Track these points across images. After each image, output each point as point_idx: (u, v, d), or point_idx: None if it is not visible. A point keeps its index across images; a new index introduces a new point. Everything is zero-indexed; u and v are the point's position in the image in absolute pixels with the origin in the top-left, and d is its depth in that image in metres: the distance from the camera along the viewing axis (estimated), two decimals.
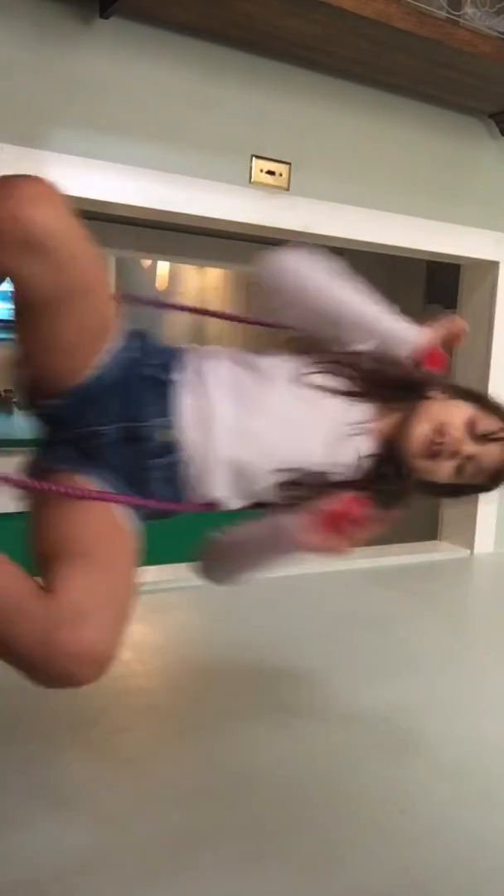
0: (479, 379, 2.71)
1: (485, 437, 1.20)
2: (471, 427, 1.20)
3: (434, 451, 1.18)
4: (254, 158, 2.10)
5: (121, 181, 1.91)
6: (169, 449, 1.11)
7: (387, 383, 1.23)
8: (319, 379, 1.18)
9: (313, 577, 2.36)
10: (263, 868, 1.04)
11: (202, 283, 4.92)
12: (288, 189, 2.16)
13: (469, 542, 2.76)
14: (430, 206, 2.45)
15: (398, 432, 1.20)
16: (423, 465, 1.20)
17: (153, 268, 5.08)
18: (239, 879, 1.02)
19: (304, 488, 1.16)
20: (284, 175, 2.15)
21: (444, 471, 1.20)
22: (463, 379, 2.76)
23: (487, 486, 1.25)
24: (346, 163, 2.27)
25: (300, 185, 2.18)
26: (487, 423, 1.21)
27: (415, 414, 1.20)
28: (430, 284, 3.64)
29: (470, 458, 1.20)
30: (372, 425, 1.20)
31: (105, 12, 1.81)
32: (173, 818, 1.14)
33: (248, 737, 1.38)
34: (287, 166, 2.15)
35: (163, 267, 5.00)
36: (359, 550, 3.14)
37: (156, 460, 1.11)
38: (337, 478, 1.17)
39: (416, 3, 1.96)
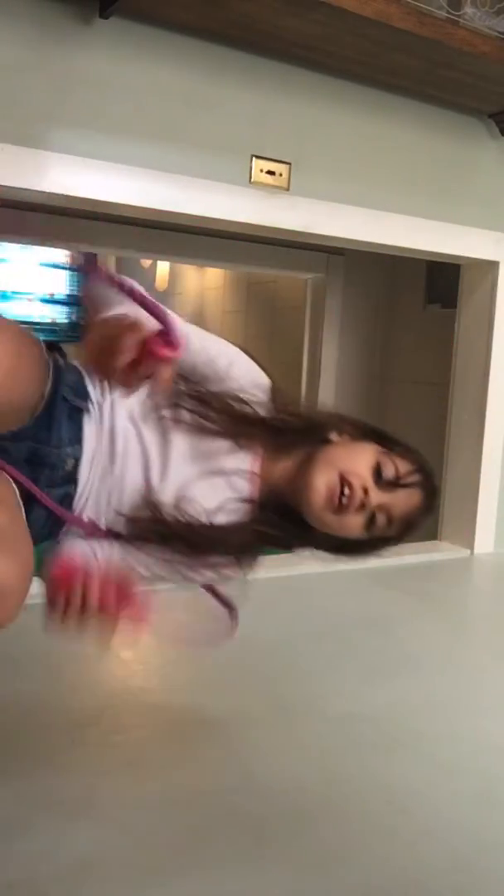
0: (479, 378, 2.71)
1: (394, 483, 1.08)
2: (377, 473, 1.07)
3: (339, 504, 1.05)
4: (254, 158, 2.10)
5: (121, 181, 1.91)
6: (68, 479, 1.05)
7: (279, 426, 1.11)
8: (196, 420, 1.08)
9: (313, 577, 2.36)
10: (263, 868, 1.04)
11: (202, 283, 4.92)
12: (288, 189, 2.16)
13: (469, 542, 2.76)
14: (430, 206, 2.45)
15: (296, 483, 1.09)
16: (327, 519, 1.07)
17: (153, 268, 5.08)
18: (239, 879, 1.02)
19: (170, 537, 1.07)
20: (284, 175, 2.15)
21: (352, 526, 1.08)
22: (463, 379, 2.77)
23: (399, 538, 1.13)
24: (346, 163, 2.27)
25: (300, 185, 2.18)
26: (395, 467, 1.09)
27: (313, 462, 1.08)
28: (430, 284, 3.64)
29: (380, 508, 1.07)
30: (257, 471, 1.10)
31: (105, 12, 1.81)
32: (173, 818, 1.14)
33: (248, 736, 1.38)
34: (287, 166, 2.15)
35: (163, 267, 5.00)
36: None
37: (54, 490, 1.05)
38: (211, 529, 1.08)
39: (416, 3, 1.96)
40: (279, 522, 1.12)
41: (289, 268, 3.78)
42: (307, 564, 2.57)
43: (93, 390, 1.07)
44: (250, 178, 2.10)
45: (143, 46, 1.90)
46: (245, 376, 1.14)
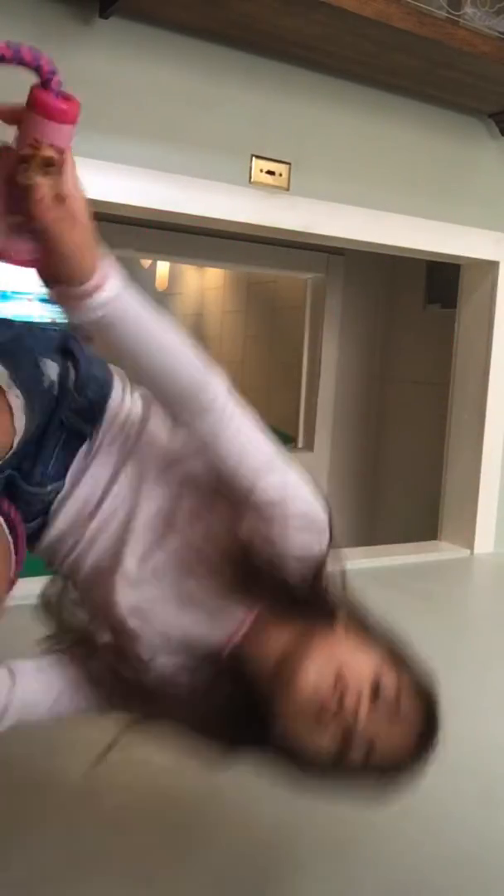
0: (479, 378, 2.71)
1: (394, 710, 0.84)
2: (376, 688, 0.83)
3: (322, 714, 0.80)
4: (254, 158, 2.10)
5: (121, 181, 1.91)
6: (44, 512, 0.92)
7: (296, 596, 0.88)
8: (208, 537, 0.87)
9: None
10: (264, 868, 1.04)
11: (202, 283, 4.92)
12: (288, 189, 2.16)
13: (469, 542, 2.76)
14: (430, 206, 2.45)
15: (279, 662, 0.83)
16: (297, 720, 0.81)
17: (153, 268, 5.08)
18: (239, 879, 1.02)
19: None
20: (284, 175, 2.15)
21: (319, 741, 0.82)
22: (463, 379, 2.77)
23: (368, 777, 0.86)
24: (346, 163, 2.27)
25: (300, 185, 2.18)
26: (398, 687, 0.86)
27: (306, 648, 0.83)
28: (430, 284, 3.64)
29: (364, 731, 0.81)
30: (243, 630, 0.87)
31: (105, 12, 1.81)
32: (173, 818, 1.14)
33: None
34: (287, 166, 2.15)
35: (163, 267, 5.00)
36: (359, 550, 3.15)
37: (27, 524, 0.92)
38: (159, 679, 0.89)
39: (416, 3, 1.96)
40: (230, 696, 0.87)
41: (289, 268, 3.78)
42: None
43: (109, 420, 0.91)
44: (250, 178, 2.10)
45: (143, 46, 1.90)
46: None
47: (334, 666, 0.82)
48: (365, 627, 0.93)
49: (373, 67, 2.17)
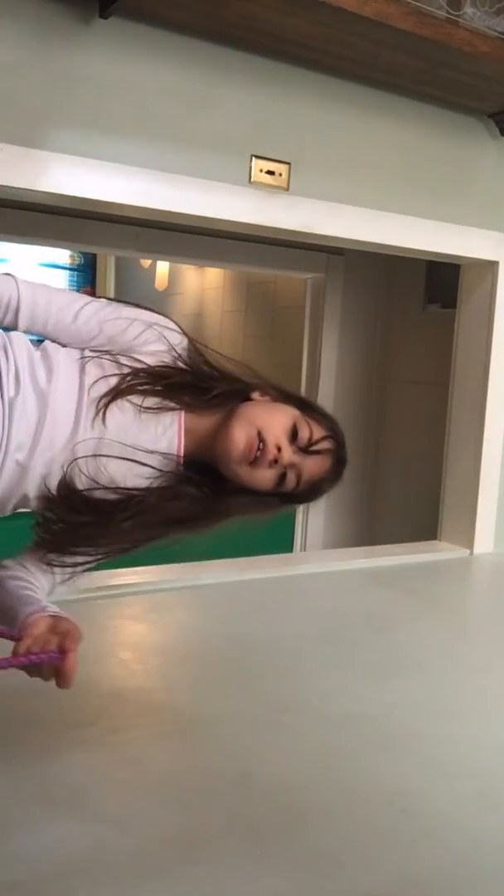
0: (479, 378, 2.71)
1: (307, 447, 1.16)
2: (293, 434, 1.15)
3: (253, 458, 1.13)
4: (253, 158, 2.10)
5: (121, 181, 1.91)
6: None
7: (204, 385, 1.19)
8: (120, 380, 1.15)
9: (313, 577, 2.36)
10: (263, 868, 1.04)
11: (202, 283, 4.92)
12: (287, 189, 2.16)
13: (469, 542, 2.76)
14: (430, 206, 2.45)
15: (216, 436, 1.16)
16: (241, 471, 1.14)
17: (153, 268, 5.08)
18: (238, 879, 1.02)
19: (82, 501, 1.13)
20: (284, 175, 2.15)
21: (263, 479, 1.15)
22: (463, 379, 2.77)
23: (307, 497, 1.21)
24: (346, 163, 2.27)
25: (300, 185, 2.18)
26: (310, 432, 1.17)
27: (234, 417, 1.15)
28: (430, 284, 3.64)
29: (291, 467, 1.15)
30: (185, 426, 1.16)
31: (105, 12, 1.81)
32: (173, 818, 1.14)
33: (248, 736, 1.38)
34: (287, 166, 2.15)
35: (163, 267, 5.00)
36: (359, 550, 3.15)
37: None
38: (140, 480, 1.14)
39: (416, 3, 1.96)
40: (198, 479, 1.17)
41: (289, 268, 3.78)
42: (307, 564, 2.58)
43: None
44: (250, 178, 2.10)
45: (143, 46, 1.90)
46: (145, 335, 1.20)
47: (255, 426, 1.13)
48: (276, 396, 1.22)
49: (373, 67, 2.17)
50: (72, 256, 5.77)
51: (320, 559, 2.78)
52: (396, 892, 1.02)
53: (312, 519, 3.97)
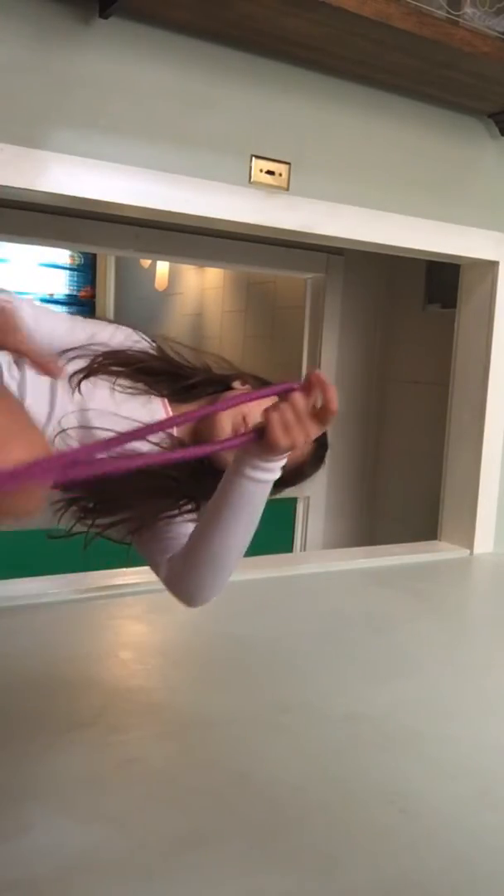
0: (479, 378, 2.71)
1: None
2: None
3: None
4: (253, 158, 2.10)
5: (121, 181, 1.91)
6: None
7: (185, 374, 1.24)
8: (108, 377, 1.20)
9: (313, 577, 2.36)
10: (263, 868, 1.04)
11: (202, 283, 4.92)
12: (287, 189, 2.16)
13: (469, 542, 2.76)
14: (430, 206, 2.45)
15: (203, 424, 1.20)
16: (228, 458, 1.14)
17: (153, 268, 5.08)
18: (238, 879, 1.02)
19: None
20: (284, 175, 2.15)
21: None
22: (463, 379, 2.77)
23: (291, 481, 1.22)
24: (346, 163, 2.27)
25: (300, 184, 2.18)
26: None
27: (217, 406, 1.19)
28: (430, 284, 3.64)
29: None
30: (174, 419, 1.19)
31: (105, 12, 1.81)
32: (173, 818, 1.14)
33: (248, 737, 1.38)
34: (287, 166, 2.15)
35: (163, 267, 5.00)
36: (359, 550, 3.15)
37: None
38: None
39: (416, 3, 1.96)
40: (186, 466, 1.17)
41: (289, 268, 3.78)
42: (307, 564, 2.58)
43: None
44: (250, 178, 2.10)
45: (143, 46, 1.90)
46: (128, 339, 1.29)
47: (240, 412, 1.17)
48: (255, 384, 1.25)
49: (373, 67, 2.17)
50: (72, 256, 5.77)
51: (320, 559, 2.77)
52: (396, 892, 1.02)
53: (312, 519, 3.97)
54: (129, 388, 1.21)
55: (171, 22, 1.90)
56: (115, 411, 1.19)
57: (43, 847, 1.05)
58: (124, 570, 2.15)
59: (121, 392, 1.21)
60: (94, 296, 5.84)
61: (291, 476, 1.22)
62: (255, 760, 1.30)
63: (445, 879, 1.05)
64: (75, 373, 1.19)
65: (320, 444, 1.25)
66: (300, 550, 3.95)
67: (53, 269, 5.74)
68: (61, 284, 5.76)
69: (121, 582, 2.08)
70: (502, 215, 2.60)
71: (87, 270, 5.82)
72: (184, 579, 1.21)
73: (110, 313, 5.75)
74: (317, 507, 3.97)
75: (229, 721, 1.43)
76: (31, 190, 1.82)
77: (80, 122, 1.85)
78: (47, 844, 1.06)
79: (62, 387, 1.17)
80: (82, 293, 5.83)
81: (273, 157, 2.13)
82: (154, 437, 1.17)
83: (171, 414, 1.23)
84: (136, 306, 5.56)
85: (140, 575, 2.12)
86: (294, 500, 3.92)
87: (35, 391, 1.17)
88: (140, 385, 1.22)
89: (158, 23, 1.90)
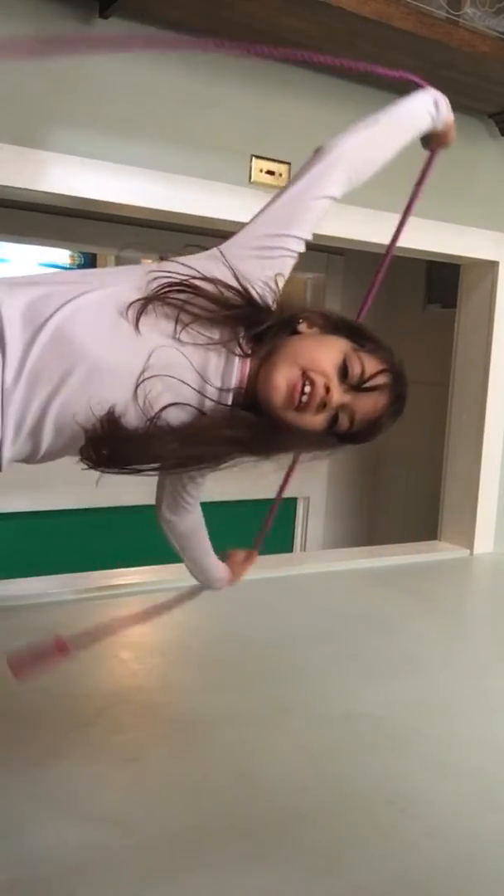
0: (479, 378, 2.71)
1: (359, 384, 1.01)
2: (342, 372, 1.00)
3: (298, 402, 0.98)
4: (253, 158, 2.10)
5: (121, 181, 1.91)
6: None
7: (241, 316, 1.03)
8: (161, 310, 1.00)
9: (313, 577, 2.36)
10: (263, 868, 1.04)
11: None
12: None
13: (469, 542, 2.76)
14: (430, 206, 2.44)
15: (258, 378, 1.01)
16: (287, 416, 1.00)
17: None
18: (238, 879, 1.02)
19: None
20: (284, 175, 2.15)
21: (312, 423, 1.01)
22: (463, 379, 2.77)
23: (364, 437, 1.08)
24: None
25: None
26: (363, 366, 1.02)
27: (277, 356, 1.00)
28: (430, 284, 3.64)
29: (342, 408, 1.01)
30: (234, 366, 1.01)
31: (105, 12, 1.81)
32: (173, 818, 1.14)
33: (248, 736, 1.38)
34: (287, 166, 2.15)
35: None
36: (359, 550, 3.15)
37: None
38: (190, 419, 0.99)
39: (416, 3, 1.96)
40: (247, 418, 1.03)
41: None
42: (307, 564, 2.58)
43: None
44: (250, 178, 2.10)
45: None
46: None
47: (298, 366, 0.99)
48: (325, 326, 1.07)
49: None
50: (72, 256, 5.76)
51: (320, 559, 2.78)
52: (397, 892, 1.02)
53: (312, 519, 3.97)
54: (202, 341, 1.00)
55: (170, 22, 1.90)
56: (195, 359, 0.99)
57: (43, 847, 1.05)
58: (124, 570, 2.15)
59: (189, 341, 0.99)
60: None
61: (366, 432, 1.07)
62: (255, 760, 1.30)
63: (445, 879, 1.05)
64: (131, 304, 0.98)
65: (397, 396, 1.07)
66: (300, 550, 3.95)
67: (53, 269, 5.74)
68: None
69: (121, 582, 2.08)
70: (502, 215, 2.59)
71: None
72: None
73: None
74: (317, 507, 3.96)
75: (229, 721, 1.43)
76: (31, 190, 1.82)
77: (80, 122, 1.85)
78: (47, 844, 1.06)
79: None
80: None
81: (273, 157, 2.13)
82: (218, 394, 1.00)
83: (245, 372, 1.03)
84: None
85: (140, 575, 2.12)
86: (294, 500, 3.92)
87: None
88: (209, 329, 1.01)
89: (158, 23, 1.89)
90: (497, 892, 1.04)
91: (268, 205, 1.21)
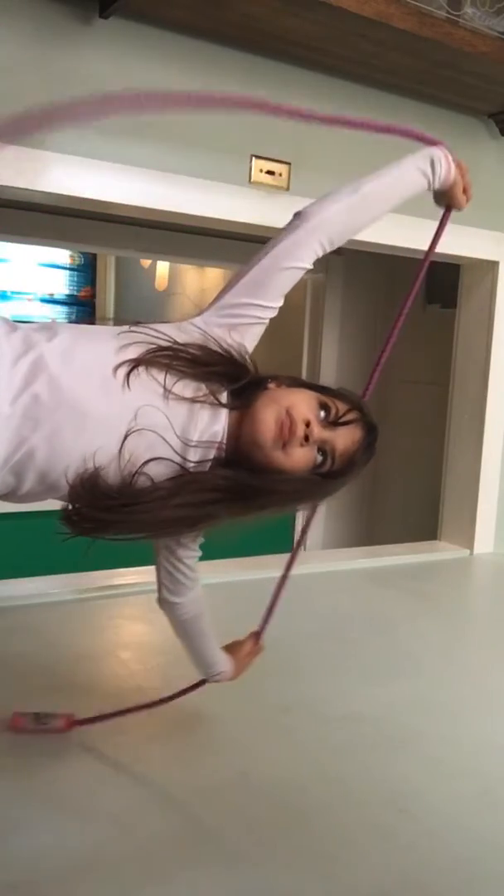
0: (479, 378, 2.71)
1: (335, 421, 1.11)
2: (318, 410, 1.10)
3: (284, 436, 1.06)
4: (254, 158, 2.10)
5: (121, 181, 1.91)
6: None
7: (223, 373, 1.11)
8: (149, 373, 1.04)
9: (313, 577, 2.36)
10: (263, 868, 1.04)
11: (202, 283, 4.91)
12: (288, 189, 2.16)
13: (469, 542, 2.76)
14: (431, 206, 2.44)
15: (244, 425, 1.09)
16: (275, 456, 1.07)
17: (153, 268, 5.08)
18: (238, 879, 1.02)
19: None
20: (284, 175, 2.15)
21: (299, 460, 1.08)
22: (463, 379, 2.77)
23: (344, 473, 1.13)
24: (346, 163, 2.26)
25: (300, 185, 2.18)
26: (335, 406, 1.12)
27: (258, 402, 1.09)
28: (430, 284, 3.64)
29: (323, 442, 1.09)
30: (216, 426, 1.08)
31: (105, 12, 1.81)
32: (173, 818, 1.14)
33: (248, 737, 1.38)
34: (287, 166, 2.15)
35: (163, 267, 5.00)
36: (359, 550, 3.15)
37: None
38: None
39: (416, 3, 1.96)
40: (229, 471, 1.09)
41: None
42: (307, 564, 2.58)
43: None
44: (250, 178, 2.10)
45: (143, 46, 1.90)
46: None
47: (282, 405, 1.08)
48: (290, 383, 1.18)
49: (373, 67, 2.17)
50: (72, 256, 5.77)
51: (320, 559, 2.77)
52: (396, 892, 1.02)
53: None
54: (188, 398, 1.06)
55: (171, 22, 1.90)
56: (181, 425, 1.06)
57: (43, 847, 1.05)
58: (124, 570, 2.15)
59: (174, 398, 1.05)
60: (94, 296, 5.84)
61: (345, 468, 1.13)
62: (255, 760, 1.30)
63: (445, 879, 1.05)
64: (121, 364, 1.03)
65: (369, 428, 1.16)
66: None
67: (53, 269, 5.74)
68: (61, 284, 5.76)
69: (121, 582, 2.08)
70: (502, 215, 2.59)
71: (87, 270, 5.82)
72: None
73: (110, 313, 5.76)
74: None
75: (229, 721, 1.43)
76: (31, 190, 1.82)
77: (80, 121, 1.85)
78: (47, 844, 1.06)
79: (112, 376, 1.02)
80: (82, 293, 5.83)
81: (273, 157, 2.13)
82: (199, 452, 1.07)
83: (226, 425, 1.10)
84: (136, 306, 5.56)
85: (140, 575, 2.12)
86: None
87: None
88: (193, 386, 1.07)
89: (158, 23, 1.90)
90: (497, 892, 1.04)
91: (243, 271, 1.30)
